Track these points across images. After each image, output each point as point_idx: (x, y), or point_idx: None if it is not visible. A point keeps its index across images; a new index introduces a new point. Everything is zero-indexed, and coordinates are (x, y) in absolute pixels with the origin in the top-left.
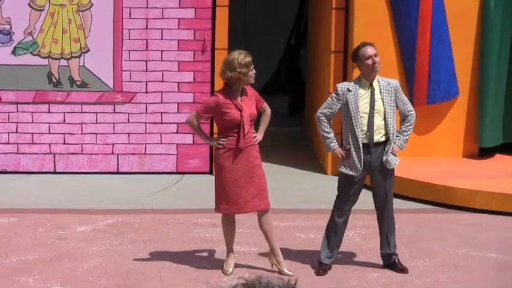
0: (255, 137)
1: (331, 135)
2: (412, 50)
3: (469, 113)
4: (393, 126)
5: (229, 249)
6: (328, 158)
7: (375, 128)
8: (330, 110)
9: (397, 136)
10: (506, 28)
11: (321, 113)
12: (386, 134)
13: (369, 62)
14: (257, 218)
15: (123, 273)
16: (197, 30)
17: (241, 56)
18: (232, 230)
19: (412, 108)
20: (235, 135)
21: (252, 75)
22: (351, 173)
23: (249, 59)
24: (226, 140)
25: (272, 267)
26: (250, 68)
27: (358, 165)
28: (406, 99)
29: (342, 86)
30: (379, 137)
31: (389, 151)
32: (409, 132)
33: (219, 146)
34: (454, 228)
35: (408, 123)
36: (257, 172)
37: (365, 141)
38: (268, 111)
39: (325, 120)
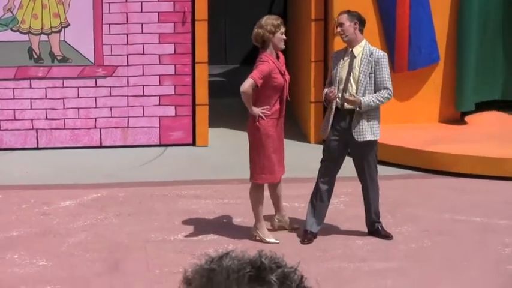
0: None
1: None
2: (392, 15)
3: (449, 78)
4: (363, 95)
5: (262, 219)
6: (311, 127)
7: (346, 95)
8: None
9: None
10: None
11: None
12: None
13: (338, 29)
14: (268, 185)
15: (109, 247)
16: (177, 1)
17: (271, 17)
18: (263, 199)
19: (387, 87)
20: (278, 102)
21: (280, 38)
22: (321, 133)
23: (277, 22)
24: (269, 108)
25: (277, 227)
26: (278, 29)
27: (325, 127)
28: (385, 76)
29: (334, 52)
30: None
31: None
32: (374, 100)
33: (264, 116)
34: (438, 193)
35: (379, 93)
36: (282, 139)
37: (338, 106)
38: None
39: (327, 84)
